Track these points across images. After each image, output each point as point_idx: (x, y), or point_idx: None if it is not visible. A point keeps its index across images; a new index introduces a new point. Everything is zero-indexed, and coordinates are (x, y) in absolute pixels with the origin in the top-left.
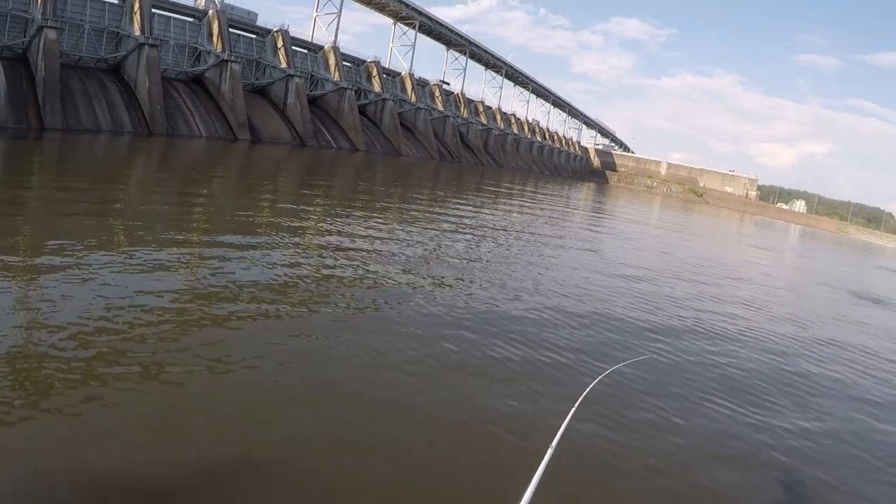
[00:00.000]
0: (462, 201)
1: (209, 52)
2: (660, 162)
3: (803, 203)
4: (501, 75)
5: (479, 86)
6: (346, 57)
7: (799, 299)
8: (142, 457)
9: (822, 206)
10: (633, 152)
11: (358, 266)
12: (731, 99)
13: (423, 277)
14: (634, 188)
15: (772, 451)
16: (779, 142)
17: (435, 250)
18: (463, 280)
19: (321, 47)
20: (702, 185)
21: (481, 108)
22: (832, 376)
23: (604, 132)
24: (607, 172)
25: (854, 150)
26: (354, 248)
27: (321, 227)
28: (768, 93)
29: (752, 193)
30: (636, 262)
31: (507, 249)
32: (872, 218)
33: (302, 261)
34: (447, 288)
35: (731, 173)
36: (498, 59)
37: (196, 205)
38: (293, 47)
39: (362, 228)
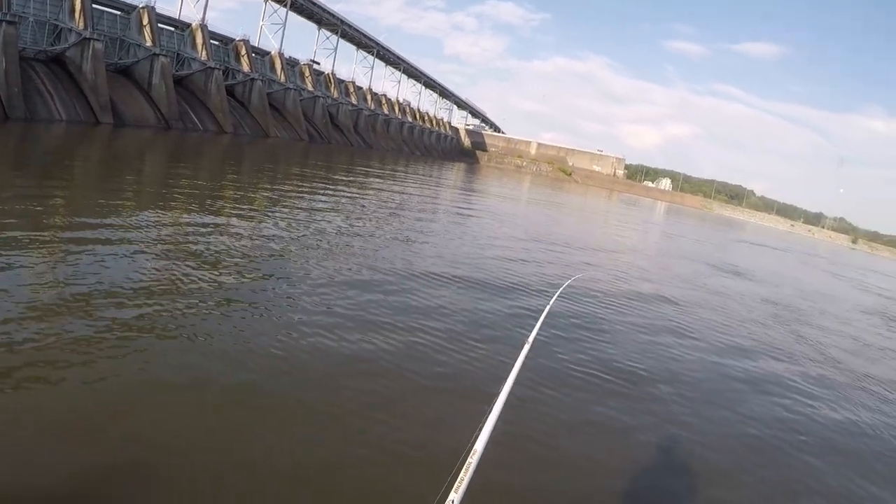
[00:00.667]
0: (333, 184)
1: (70, 30)
2: (530, 142)
3: (669, 181)
4: (373, 55)
5: (351, 66)
6: (214, 35)
7: (663, 271)
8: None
9: (687, 184)
10: (503, 133)
11: (226, 256)
12: (601, 82)
13: (296, 260)
14: (504, 167)
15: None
16: (645, 123)
17: (304, 236)
18: (335, 268)
19: (188, 25)
20: (571, 164)
21: (352, 89)
22: (691, 335)
23: (475, 113)
24: (478, 152)
25: (717, 133)
26: (223, 237)
27: (184, 218)
28: (637, 77)
29: (620, 172)
30: (505, 238)
31: (378, 231)
32: (735, 195)
33: (168, 253)
34: (322, 269)
35: (599, 153)
36: (370, 39)
37: (45, 198)
38: (159, 24)
39: (227, 218)
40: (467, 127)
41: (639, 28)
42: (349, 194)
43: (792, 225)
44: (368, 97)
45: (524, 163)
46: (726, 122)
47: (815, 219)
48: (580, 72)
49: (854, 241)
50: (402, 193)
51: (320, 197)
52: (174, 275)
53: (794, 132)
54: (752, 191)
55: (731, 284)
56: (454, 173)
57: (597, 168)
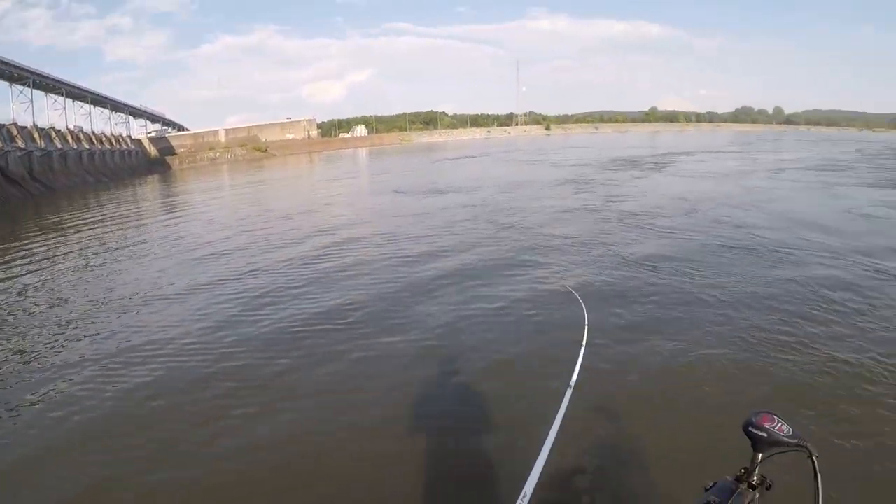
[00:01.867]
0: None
1: None
2: (217, 131)
3: (363, 127)
4: (29, 86)
5: (7, 105)
6: None
7: (371, 209)
8: None
9: (382, 124)
10: (188, 129)
11: None
12: (274, 50)
13: None
14: (199, 165)
15: None
16: (329, 79)
17: None
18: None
19: None
20: (264, 140)
21: (15, 132)
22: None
23: (153, 118)
24: (167, 158)
25: (398, 69)
26: None
27: None
28: (309, 36)
29: (314, 133)
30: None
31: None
32: (429, 120)
33: None
34: None
35: (289, 120)
36: (21, 68)
37: None
38: None
39: None
40: (149, 135)
41: None
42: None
43: (488, 131)
44: (36, 135)
45: (217, 153)
46: (404, 57)
47: (508, 119)
48: (251, 46)
49: (548, 128)
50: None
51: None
52: None
53: (469, 50)
54: (443, 112)
55: (435, 202)
56: (132, 200)
57: (290, 136)
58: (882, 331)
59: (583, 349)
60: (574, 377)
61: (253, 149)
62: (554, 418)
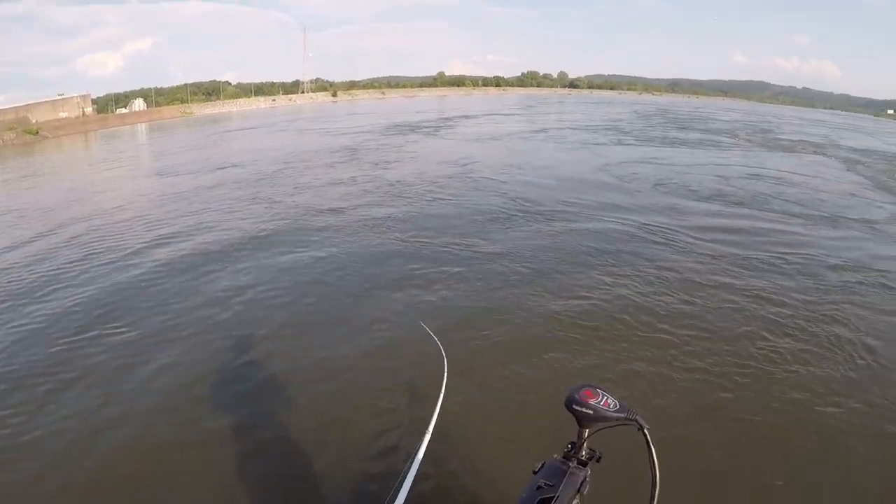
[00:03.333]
0: None
1: None
2: None
3: (142, 101)
4: None
5: None
6: None
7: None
8: None
9: (162, 97)
10: None
11: None
12: (44, 18)
13: None
14: None
15: None
16: (105, 49)
17: None
18: None
19: None
20: (35, 121)
21: None
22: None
23: None
24: None
25: (179, 36)
26: None
27: None
28: (83, 1)
29: (89, 110)
30: None
31: None
32: (211, 91)
33: None
34: None
35: (61, 98)
36: None
37: None
38: None
39: None
40: None
41: None
42: None
43: (273, 100)
44: None
45: None
46: (186, 24)
47: (294, 87)
48: (18, 14)
49: (334, 95)
50: None
51: None
52: None
53: (255, 15)
54: (227, 82)
55: (205, 181)
56: None
57: (64, 115)
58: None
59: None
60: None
61: (24, 132)
62: None
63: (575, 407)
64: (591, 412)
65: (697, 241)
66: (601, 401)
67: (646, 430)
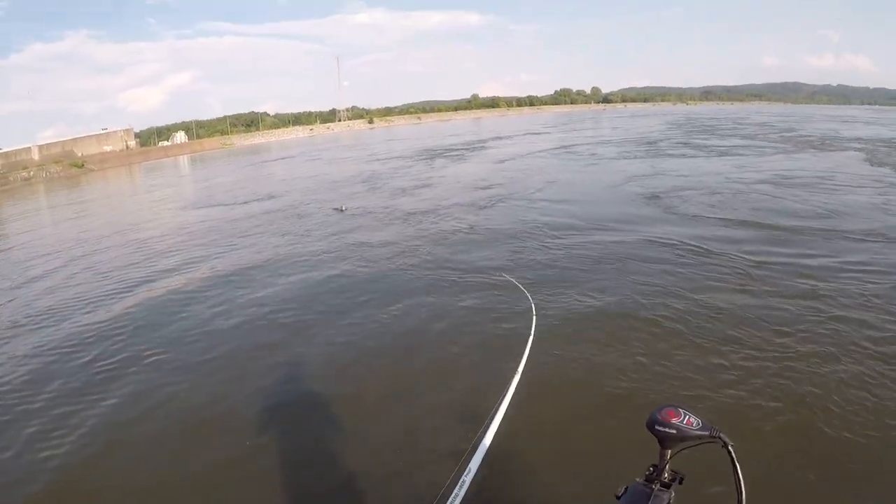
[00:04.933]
0: None
1: None
2: (30, 148)
3: (183, 133)
4: None
5: None
6: None
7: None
8: None
9: (203, 129)
10: None
11: None
12: (87, 57)
13: None
14: (11, 188)
15: None
16: (144, 85)
17: None
18: None
19: None
20: (80, 154)
21: None
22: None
23: None
24: None
25: (217, 71)
26: None
27: None
28: (122, 40)
29: (132, 143)
30: None
31: None
32: (251, 122)
33: None
34: None
35: (105, 132)
36: None
37: None
38: None
39: None
40: None
41: None
42: None
43: (311, 129)
44: None
45: (31, 173)
46: (223, 59)
47: (331, 116)
48: (63, 53)
49: (371, 122)
50: None
51: None
52: None
53: (289, 47)
54: (265, 113)
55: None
56: None
57: (107, 148)
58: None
59: None
60: None
61: (70, 165)
62: None
63: (658, 428)
64: (674, 431)
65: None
66: (684, 420)
67: (730, 448)
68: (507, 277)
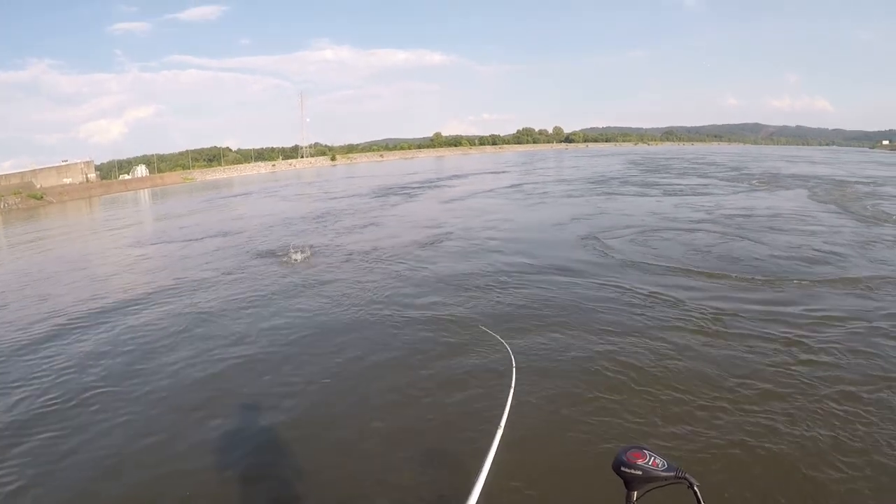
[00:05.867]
0: None
1: None
2: None
3: (144, 167)
4: None
5: None
6: None
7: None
8: None
9: (165, 163)
10: None
11: None
12: (49, 87)
13: None
14: None
15: None
16: (107, 116)
17: None
18: None
19: None
20: (39, 186)
21: None
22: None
23: None
24: None
25: (181, 104)
26: None
27: None
28: (86, 70)
29: (92, 176)
30: None
31: None
32: (213, 157)
33: None
34: None
35: (65, 164)
36: None
37: None
38: None
39: None
40: None
41: (78, 14)
42: None
43: (273, 165)
44: None
45: None
46: (187, 91)
47: (294, 152)
48: (24, 81)
49: (333, 159)
50: None
51: None
52: None
53: (254, 82)
54: (227, 148)
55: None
56: None
57: (67, 180)
58: None
59: None
60: None
61: (28, 196)
62: None
63: (624, 469)
64: (640, 473)
65: None
66: (650, 461)
67: (696, 488)
68: (485, 330)
